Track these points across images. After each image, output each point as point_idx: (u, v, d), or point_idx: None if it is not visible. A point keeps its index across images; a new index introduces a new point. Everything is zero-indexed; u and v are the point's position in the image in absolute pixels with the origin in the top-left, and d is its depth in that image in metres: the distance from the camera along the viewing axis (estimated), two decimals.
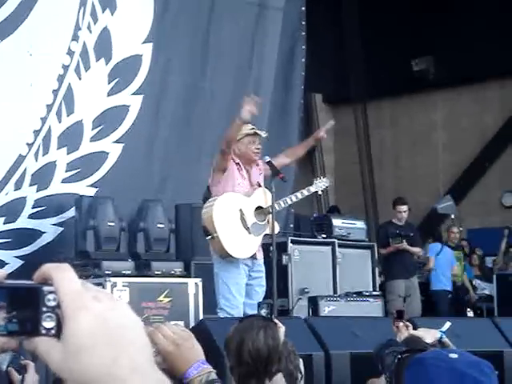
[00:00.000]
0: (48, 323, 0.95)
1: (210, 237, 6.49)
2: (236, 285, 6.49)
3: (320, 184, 6.97)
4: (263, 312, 5.59)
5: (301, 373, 3.94)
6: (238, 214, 6.55)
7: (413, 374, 1.69)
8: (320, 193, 7.10)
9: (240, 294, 6.49)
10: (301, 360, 4.01)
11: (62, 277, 0.96)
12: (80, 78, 8.76)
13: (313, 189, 6.95)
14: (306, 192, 6.89)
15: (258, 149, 6.63)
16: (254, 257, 6.60)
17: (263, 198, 6.63)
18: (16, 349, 1.00)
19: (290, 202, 6.85)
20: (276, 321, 3.48)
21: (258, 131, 6.63)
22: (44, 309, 0.96)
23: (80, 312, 0.93)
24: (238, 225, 6.55)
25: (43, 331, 0.95)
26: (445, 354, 1.68)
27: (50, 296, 0.96)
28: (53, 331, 0.95)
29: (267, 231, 6.63)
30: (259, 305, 5.98)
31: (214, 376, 2.10)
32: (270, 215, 6.58)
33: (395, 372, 3.00)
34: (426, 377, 1.65)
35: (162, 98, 9.35)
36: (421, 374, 1.67)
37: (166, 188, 9.07)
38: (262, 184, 6.70)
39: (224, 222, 6.49)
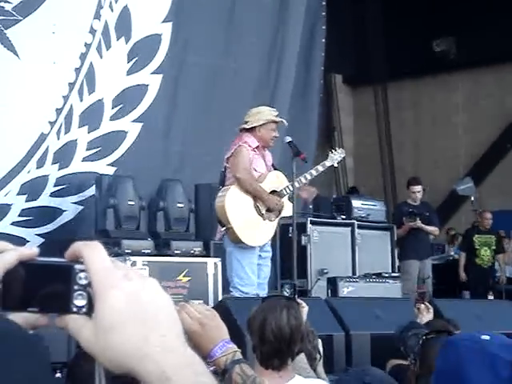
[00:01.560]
0: (79, 301, 0.96)
1: (224, 228, 6.49)
2: (250, 264, 6.50)
3: (335, 156, 6.95)
4: (286, 292, 5.60)
5: (319, 353, 3.95)
6: (251, 201, 6.53)
7: (444, 355, 1.68)
8: (336, 165, 7.06)
9: (254, 273, 6.52)
10: (319, 340, 4.02)
11: (93, 255, 0.97)
12: (101, 57, 8.76)
13: (328, 163, 6.92)
14: (321, 168, 6.86)
15: (276, 137, 6.65)
16: None
17: (276, 181, 6.61)
18: (47, 326, 1.01)
19: (307, 179, 6.82)
20: (299, 301, 3.49)
21: (283, 120, 6.67)
22: (75, 287, 0.96)
23: (111, 290, 0.93)
24: (252, 213, 6.54)
25: (74, 309, 0.95)
26: (477, 336, 1.67)
27: (82, 274, 0.97)
28: (84, 309, 0.95)
29: (283, 214, 6.62)
30: (282, 285, 5.98)
31: (239, 356, 2.10)
32: (286, 197, 6.57)
33: (420, 353, 3.00)
34: (458, 358, 1.64)
35: (181, 77, 9.33)
36: (452, 355, 1.66)
37: (185, 168, 9.07)
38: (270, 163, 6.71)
39: (237, 212, 6.48)
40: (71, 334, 0.96)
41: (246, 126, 6.64)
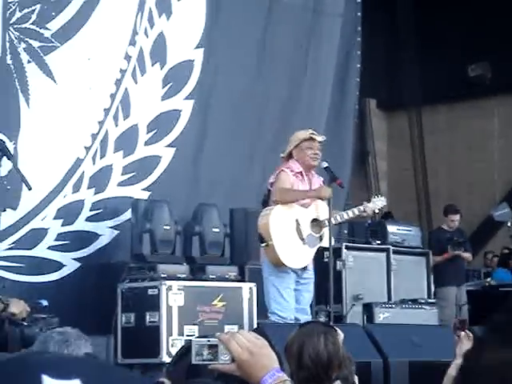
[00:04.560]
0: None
1: (264, 244, 6.49)
2: (287, 289, 6.50)
3: (378, 202, 6.89)
4: (321, 318, 5.58)
5: (354, 380, 3.92)
6: (294, 224, 6.54)
7: None
8: (377, 211, 7.02)
9: (291, 298, 6.50)
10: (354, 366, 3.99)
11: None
12: (136, 82, 8.84)
13: (370, 206, 6.84)
14: (362, 208, 6.80)
15: (316, 154, 6.60)
16: (305, 267, 6.59)
17: (321, 210, 6.61)
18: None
19: (346, 218, 6.81)
20: (336, 328, 3.47)
21: (314, 136, 6.61)
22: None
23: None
24: (294, 235, 6.53)
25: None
26: None
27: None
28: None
29: (322, 244, 6.61)
30: (316, 311, 5.97)
31: None
32: (326, 228, 6.55)
33: None
34: None
35: (211, 102, 9.40)
36: None
37: (217, 192, 9.09)
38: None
39: (280, 231, 6.48)
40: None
41: (283, 155, 6.66)
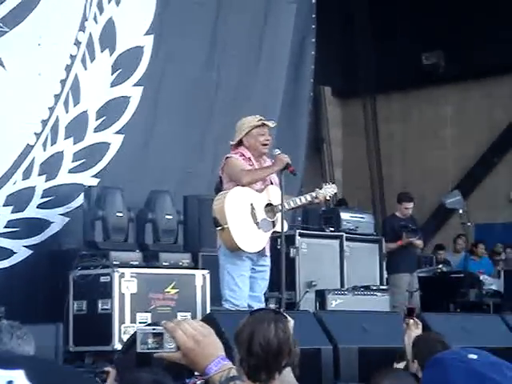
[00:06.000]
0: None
1: (219, 228, 6.47)
2: (241, 276, 6.50)
3: (329, 189, 6.91)
4: (271, 305, 5.59)
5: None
6: (248, 208, 6.54)
7: (431, 374, 1.66)
8: (328, 198, 7.04)
9: (245, 286, 6.51)
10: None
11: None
12: (86, 69, 8.77)
13: (321, 193, 6.85)
14: (314, 194, 6.82)
15: (268, 140, 6.59)
16: (261, 252, 6.59)
17: (274, 195, 6.61)
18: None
19: (298, 204, 6.81)
20: (285, 314, 3.47)
21: (265, 122, 6.59)
22: None
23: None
24: (249, 219, 6.53)
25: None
26: (464, 354, 1.65)
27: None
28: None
29: (276, 228, 6.62)
30: (267, 298, 5.97)
31: (234, 372, 2.09)
32: (280, 213, 6.56)
33: None
34: (445, 378, 1.62)
35: (161, 89, 9.36)
36: (439, 374, 1.63)
37: (169, 179, 9.05)
38: (276, 181, 6.66)
39: (235, 215, 6.48)
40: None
41: (233, 142, 6.64)
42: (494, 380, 1.60)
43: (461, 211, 11.34)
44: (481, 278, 11.60)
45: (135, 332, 2.28)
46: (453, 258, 12.83)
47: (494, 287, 11.71)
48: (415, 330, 4.77)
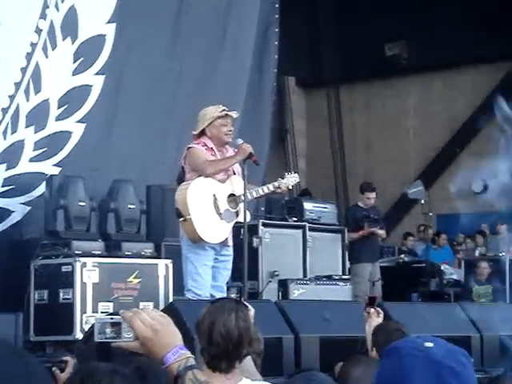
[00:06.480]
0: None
1: (182, 219, 6.46)
2: (204, 266, 6.50)
3: (291, 179, 6.92)
4: (232, 295, 5.59)
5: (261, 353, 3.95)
6: (211, 198, 6.53)
7: (387, 363, 1.67)
8: (290, 187, 7.05)
9: (208, 275, 6.51)
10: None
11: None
12: (47, 57, 8.70)
13: (284, 183, 6.86)
14: (276, 184, 6.82)
15: (231, 131, 6.59)
16: (223, 242, 6.59)
17: (237, 185, 6.61)
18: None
19: (260, 193, 6.82)
20: (246, 303, 3.48)
21: (228, 112, 6.59)
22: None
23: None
24: (211, 209, 6.53)
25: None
26: (420, 343, 1.66)
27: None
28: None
29: (239, 219, 6.62)
30: (228, 288, 5.98)
31: (192, 361, 2.09)
32: (242, 203, 6.57)
33: None
34: (402, 367, 1.63)
35: (123, 78, 9.31)
36: (396, 363, 1.64)
37: (131, 169, 9.01)
38: (239, 171, 6.66)
39: (197, 205, 6.47)
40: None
41: (195, 132, 6.62)
42: (450, 367, 1.62)
43: (422, 201, 11.44)
44: (442, 267, 11.73)
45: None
46: (419, 246, 12.96)
47: (454, 277, 11.84)
48: (376, 318, 4.81)
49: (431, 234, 12.77)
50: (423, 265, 11.38)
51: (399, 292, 10.41)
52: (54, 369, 3.17)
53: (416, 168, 14.79)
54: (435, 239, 12.93)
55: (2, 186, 8.30)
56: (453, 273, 11.98)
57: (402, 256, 12.04)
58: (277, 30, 11.08)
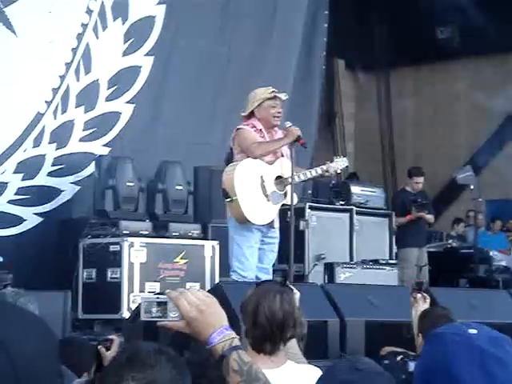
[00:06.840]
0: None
1: (229, 199, 6.47)
2: (250, 248, 6.50)
3: (340, 163, 6.88)
4: (278, 277, 5.59)
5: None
6: (258, 180, 6.52)
7: (430, 348, 1.64)
8: (339, 171, 7.01)
9: (253, 257, 6.51)
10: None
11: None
12: (97, 37, 8.75)
13: (332, 166, 6.82)
14: (325, 167, 6.78)
15: (280, 113, 6.56)
16: (270, 224, 6.59)
17: (284, 168, 6.59)
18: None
19: (308, 177, 6.78)
20: (291, 287, 3.48)
21: (278, 94, 6.56)
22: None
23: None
24: (258, 191, 6.52)
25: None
26: (464, 329, 1.63)
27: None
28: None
29: (285, 201, 6.61)
30: (274, 270, 5.97)
31: (237, 342, 2.10)
32: (289, 186, 6.55)
33: None
34: (444, 353, 1.61)
35: (172, 60, 9.33)
36: (438, 349, 1.62)
37: (178, 150, 9.05)
38: (287, 153, 6.63)
39: (244, 187, 6.46)
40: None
41: (244, 114, 6.61)
42: (493, 355, 1.59)
43: (472, 187, 11.31)
44: (491, 254, 11.60)
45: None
46: (470, 232, 12.81)
47: (503, 263, 11.69)
48: (422, 304, 4.78)
49: (481, 220, 12.62)
50: (471, 250, 11.26)
51: (447, 278, 10.31)
52: (99, 347, 3.19)
53: (466, 153, 14.61)
54: (490, 225, 12.76)
55: (53, 165, 8.39)
56: (502, 259, 11.84)
57: (450, 241, 11.92)
58: (326, 12, 11.00)
